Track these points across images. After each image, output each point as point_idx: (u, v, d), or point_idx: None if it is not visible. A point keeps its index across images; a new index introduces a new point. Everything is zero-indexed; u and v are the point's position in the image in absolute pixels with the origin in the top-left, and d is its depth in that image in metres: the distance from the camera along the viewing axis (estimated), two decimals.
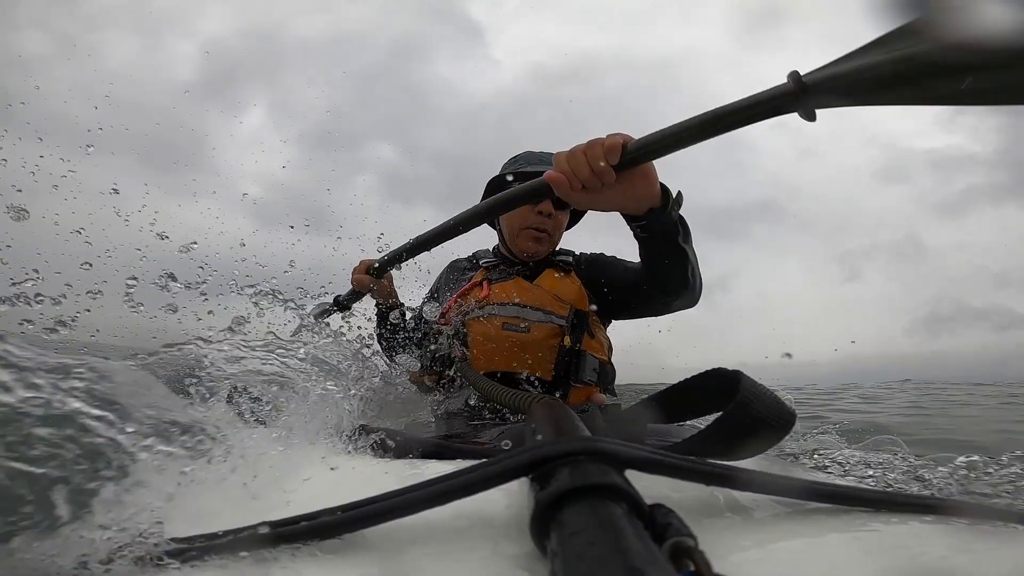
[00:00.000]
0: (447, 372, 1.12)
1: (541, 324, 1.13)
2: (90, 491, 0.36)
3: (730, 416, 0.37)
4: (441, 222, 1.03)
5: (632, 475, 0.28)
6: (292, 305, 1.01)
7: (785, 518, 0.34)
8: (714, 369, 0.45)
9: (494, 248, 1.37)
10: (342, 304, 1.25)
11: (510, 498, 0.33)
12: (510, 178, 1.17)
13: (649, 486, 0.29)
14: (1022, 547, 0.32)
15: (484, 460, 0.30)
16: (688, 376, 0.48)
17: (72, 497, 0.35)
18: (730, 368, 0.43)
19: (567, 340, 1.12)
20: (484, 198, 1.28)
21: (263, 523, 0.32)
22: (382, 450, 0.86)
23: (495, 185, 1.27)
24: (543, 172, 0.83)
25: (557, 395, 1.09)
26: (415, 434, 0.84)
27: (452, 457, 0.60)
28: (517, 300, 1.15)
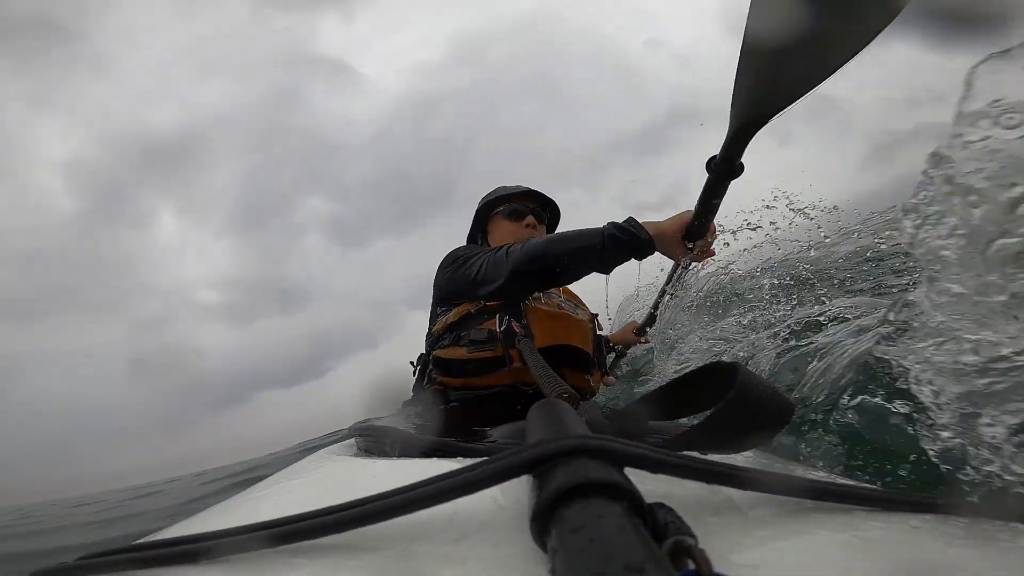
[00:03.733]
0: (504, 347, 1.16)
1: (580, 308, 1.41)
2: None
3: (727, 407, 0.37)
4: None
5: (633, 473, 0.28)
6: None
7: (786, 516, 0.34)
8: (712, 363, 0.45)
9: None
10: None
11: (512, 496, 0.33)
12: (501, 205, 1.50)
13: (650, 483, 0.29)
14: (1021, 545, 0.32)
15: (485, 458, 0.30)
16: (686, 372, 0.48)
17: None
18: (727, 361, 0.43)
19: (598, 327, 1.45)
20: (472, 230, 1.58)
21: (262, 523, 0.32)
22: (380, 451, 0.86)
23: (487, 210, 1.53)
24: (523, 190, 1.51)
25: (588, 376, 1.30)
26: (414, 433, 0.84)
27: (453, 455, 0.59)
28: (556, 292, 1.39)
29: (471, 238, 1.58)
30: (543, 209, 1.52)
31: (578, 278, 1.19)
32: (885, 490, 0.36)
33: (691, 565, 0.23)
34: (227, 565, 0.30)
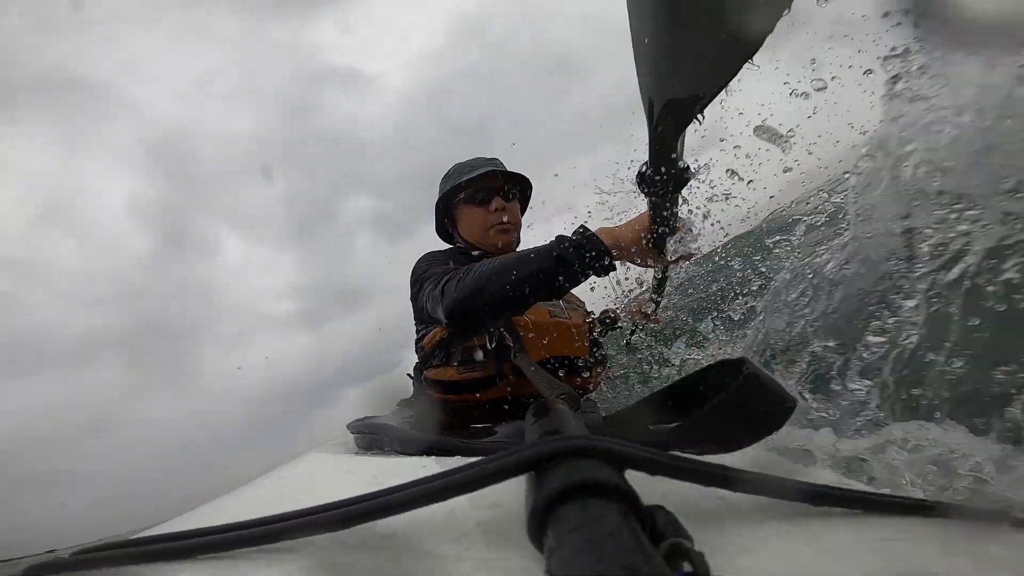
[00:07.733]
0: (498, 364, 1.08)
1: (572, 308, 1.30)
2: None
3: (730, 397, 0.37)
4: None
5: (633, 475, 0.28)
6: None
7: (784, 519, 0.34)
8: (718, 361, 0.44)
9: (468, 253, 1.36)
10: None
11: (509, 495, 0.33)
12: (461, 192, 1.33)
13: (650, 485, 0.29)
14: (1015, 548, 0.32)
15: (483, 458, 0.30)
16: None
17: None
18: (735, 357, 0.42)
19: (594, 320, 1.34)
20: (438, 219, 1.44)
21: (255, 519, 0.32)
22: (378, 448, 0.86)
23: (448, 199, 1.38)
24: (482, 172, 1.29)
25: (586, 375, 1.22)
26: (413, 431, 0.84)
27: (451, 454, 0.60)
28: None
29: (439, 227, 1.47)
30: (512, 185, 1.37)
31: (528, 308, 1.02)
32: (881, 493, 0.36)
33: (687, 568, 0.23)
34: (221, 561, 0.30)
